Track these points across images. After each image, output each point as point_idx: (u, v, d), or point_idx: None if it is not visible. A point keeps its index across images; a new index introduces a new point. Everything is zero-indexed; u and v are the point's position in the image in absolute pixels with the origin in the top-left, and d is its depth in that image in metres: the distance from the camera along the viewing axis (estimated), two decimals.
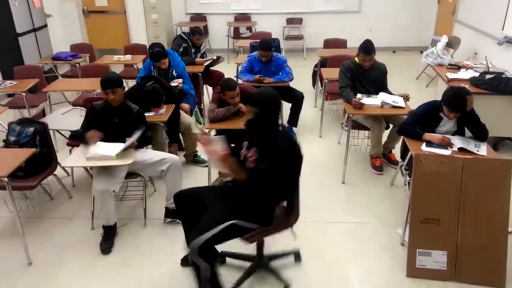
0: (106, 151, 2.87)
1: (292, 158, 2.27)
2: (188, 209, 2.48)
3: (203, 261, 2.21)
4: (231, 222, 2.23)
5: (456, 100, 2.86)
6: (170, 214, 3.21)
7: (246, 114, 2.24)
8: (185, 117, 3.97)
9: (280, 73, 4.50)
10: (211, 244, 2.21)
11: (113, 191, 2.88)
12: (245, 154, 2.35)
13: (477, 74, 4.33)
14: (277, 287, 2.63)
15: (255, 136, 2.32)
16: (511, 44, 5.16)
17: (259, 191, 2.21)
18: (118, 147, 2.90)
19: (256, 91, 2.41)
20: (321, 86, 5.09)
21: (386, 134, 3.96)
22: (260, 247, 2.67)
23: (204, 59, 5.26)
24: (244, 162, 2.32)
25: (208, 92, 5.59)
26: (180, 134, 4.01)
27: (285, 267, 2.77)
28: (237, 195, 2.31)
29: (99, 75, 4.82)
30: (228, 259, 2.80)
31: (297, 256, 2.84)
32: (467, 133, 3.11)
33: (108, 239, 2.97)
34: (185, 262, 2.75)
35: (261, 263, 2.71)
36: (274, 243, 2.85)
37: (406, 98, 3.72)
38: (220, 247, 2.37)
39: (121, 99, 3.07)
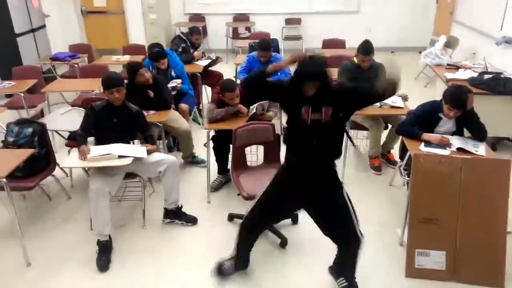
0: (108, 150, 2.87)
1: None
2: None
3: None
4: None
5: (458, 97, 2.87)
6: (169, 214, 3.21)
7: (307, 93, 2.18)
8: (182, 122, 3.92)
9: (279, 74, 4.47)
10: None
11: (109, 192, 2.86)
12: (313, 116, 2.23)
13: (475, 74, 4.34)
14: (275, 242, 2.99)
15: (323, 99, 2.23)
16: (509, 44, 5.17)
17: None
18: (122, 149, 2.92)
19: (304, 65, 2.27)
20: None
21: (385, 134, 3.97)
22: None
23: (201, 53, 5.24)
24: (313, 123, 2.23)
25: (207, 92, 5.59)
26: (177, 138, 4.07)
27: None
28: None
29: (97, 75, 4.86)
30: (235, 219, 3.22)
31: (293, 219, 3.18)
32: (466, 133, 3.11)
33: (104, 255, 2.83)
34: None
35: None
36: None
37: (404, 98, 3.73)
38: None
39: (123, 98, 3.08)
